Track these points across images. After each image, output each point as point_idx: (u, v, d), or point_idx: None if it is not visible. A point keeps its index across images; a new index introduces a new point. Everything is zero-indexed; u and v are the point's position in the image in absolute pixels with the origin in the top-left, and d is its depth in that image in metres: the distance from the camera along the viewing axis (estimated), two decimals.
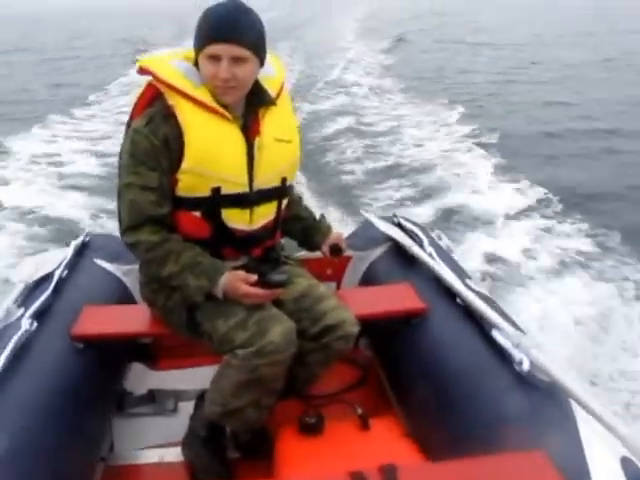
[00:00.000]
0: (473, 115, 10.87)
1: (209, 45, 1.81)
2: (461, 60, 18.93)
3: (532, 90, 13.76)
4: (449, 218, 6.01)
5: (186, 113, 1.85)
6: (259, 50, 1.87)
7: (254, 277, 1.87)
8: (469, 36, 25.06)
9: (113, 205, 2.12)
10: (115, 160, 2.06)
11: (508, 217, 6.00)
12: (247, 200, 1.96)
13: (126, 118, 2.04)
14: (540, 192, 6.64)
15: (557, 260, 5.03)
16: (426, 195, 6.78)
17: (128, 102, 12.28)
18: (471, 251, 5.06)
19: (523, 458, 1.53)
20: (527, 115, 11.32)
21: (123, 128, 2.02)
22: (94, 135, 10.08)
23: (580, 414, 1.60)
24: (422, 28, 29.56)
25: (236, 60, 1.81)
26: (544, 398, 1.71)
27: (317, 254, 2.49)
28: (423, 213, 6.14)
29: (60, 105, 12.61)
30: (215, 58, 1.81)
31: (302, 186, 6.72)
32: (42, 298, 2.22)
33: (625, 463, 1.44)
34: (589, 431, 1.54)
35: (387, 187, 7.14)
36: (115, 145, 8.40)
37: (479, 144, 8.80)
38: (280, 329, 1.83)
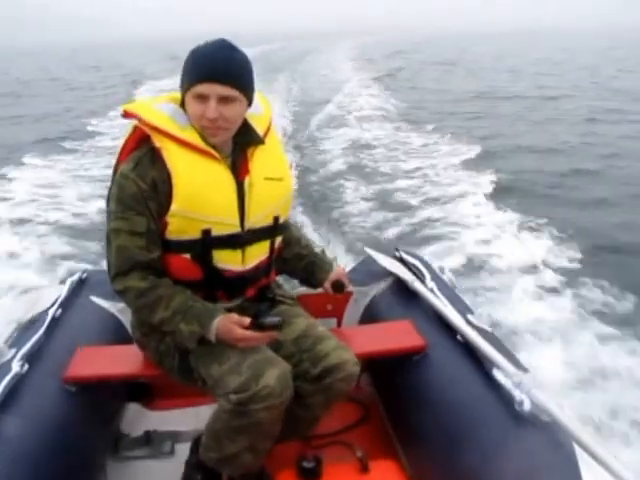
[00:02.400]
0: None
1: (196, 84, 1.79)
2: None
3: None
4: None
5: (173, 155, 1.82)
6: (247, 89, 1.86)
7: (247, 320, 1.83)
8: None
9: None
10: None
11: None
12: (239, 240, 1.93)
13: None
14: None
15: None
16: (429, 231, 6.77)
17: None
18: None
19: None
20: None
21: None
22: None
23: (582, 457, 1.57)
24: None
25: (224, 100, 1.79)
26: (545, 439, 1.67)
27: (317, 290, 2.46)
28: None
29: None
30: (202, 98, 1.79)
31: (301, 218, 6.77)
32: (34, 338, 2.18)
33: None
34: (591, 475, 1.51)
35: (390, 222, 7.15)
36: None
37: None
38: (275, 372, 1.79)
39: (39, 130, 14.25)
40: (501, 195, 7.84)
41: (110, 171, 1.99)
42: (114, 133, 12.79)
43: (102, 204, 7.15)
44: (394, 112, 15.67)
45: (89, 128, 14.19)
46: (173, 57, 33.03)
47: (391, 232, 6.72)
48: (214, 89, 1.77)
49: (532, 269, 5.56)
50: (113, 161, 1.99)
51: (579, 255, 5.89)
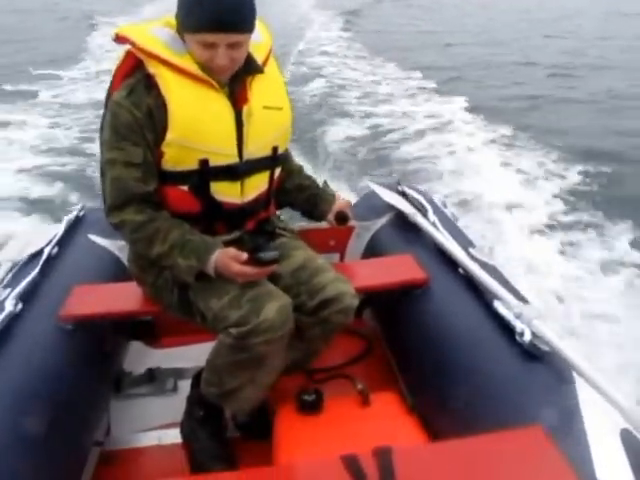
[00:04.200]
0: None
1: (203, 33, 1.70)
2: None
3: None
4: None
5: (169, 82, 1.76)
6: (253, 28, 1.78)
7: (245, 255, 1.79)
8: None
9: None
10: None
11: None
12: (237, 171, 1.88)
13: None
14: None
15: None
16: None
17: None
18: None
19: (521, 435, 1.49)
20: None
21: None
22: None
23: (581, 385, 1.57)
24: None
25: (233, 45, 1.73)
26: (545, 369, 1.68)
27: (319, 224, 2.43)
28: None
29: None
30: (210, 45, 1.72)
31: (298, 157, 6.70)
32: (29, 278, 2.15)
33: (625, 435, 1.41)
34: (589, 403, 1.52)
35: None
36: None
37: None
38: (275, 305, 1.77)
39: None
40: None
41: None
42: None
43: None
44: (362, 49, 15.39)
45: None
46: None
47: (386, 167, 6.71)
48: (224, 39, 1.70)
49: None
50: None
51: None
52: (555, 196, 5.80)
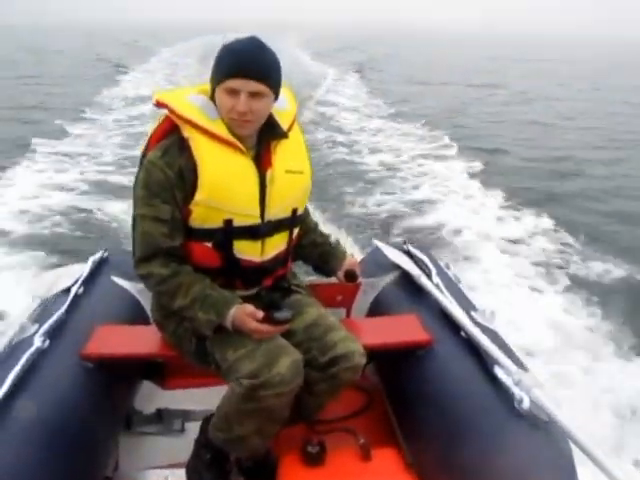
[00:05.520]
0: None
1: (228, 80, 1.86)
2: None
3: None
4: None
5: (201, 145, 1.90)
6: (276, 85, 1.93)
7: (261, 314, 1.89)
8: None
9: None
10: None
11: None
12: (258, 232, 2.00)
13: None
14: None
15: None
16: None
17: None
18: None
19: None
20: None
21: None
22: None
23: (578, 456, 1.63)
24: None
25: (254, 95, 1.86)
26: (543, 438, 1.73)
27: (328, 279, 2.53)
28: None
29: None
30: (233, 92, 1.86)
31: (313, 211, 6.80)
32: (56, 315, 2.27)
33: None
34: (586, 474, 1.57)
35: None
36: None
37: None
38: (287, 361, 1.86)
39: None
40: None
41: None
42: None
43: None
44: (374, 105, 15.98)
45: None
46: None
47: (396, 225, 6.82)
48: (245, 85, 1.84)
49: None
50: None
51: None
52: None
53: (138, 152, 2.09)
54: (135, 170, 2.05)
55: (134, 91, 17.33)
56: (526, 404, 1.79)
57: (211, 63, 1.91)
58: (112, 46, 37.97)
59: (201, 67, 20.50)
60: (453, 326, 2.32)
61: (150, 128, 2.05)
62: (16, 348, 2.10)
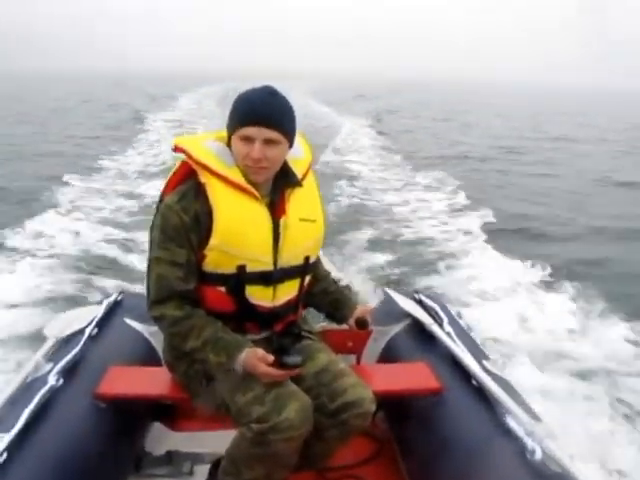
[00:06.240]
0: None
1: (243, 127, 1.91)
2: None
3: None
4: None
5: (217, 191, 1.94)
6: (290, 133, 1.98)
7: (271, 358, 1.91)
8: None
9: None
10: None
11: None
12: (271, 278, 2.03)
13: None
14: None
15: None
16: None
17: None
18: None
19: None
20: None
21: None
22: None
23: None
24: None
25: (268, 142, 1.91)
26: None
27: (339, 326, 2.55)
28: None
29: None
30: (248, 139, 1.91)
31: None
32: (70, 355, 2.31)
33: None
34: None
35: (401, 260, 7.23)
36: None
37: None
38: (297, 406, 1.87)
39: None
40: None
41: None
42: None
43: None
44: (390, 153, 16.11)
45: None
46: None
47: (405, 273, 6.79)
48: (260, 132, 1.89)
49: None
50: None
51: None
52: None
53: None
54: (152, 214, 2.10)
55: (155, 136, 17.88)
56: (538, 455, 1.78)
57: (228, 108, 1.98)
58: (136, 94, 38.92)
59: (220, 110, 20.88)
60: (464, 374, 2.32)
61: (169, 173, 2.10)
62: (31, 386, 2.13)
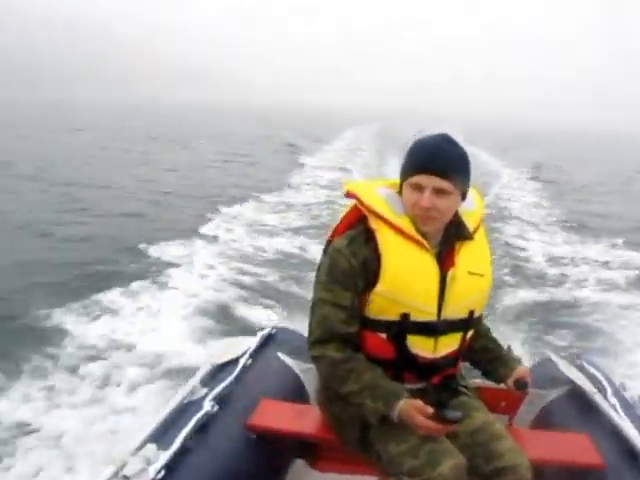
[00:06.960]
0: None
1: (414, 175, 1.91)
2: None
3: None
4: None
5: (386, 238, 1.94)
6: (462, 184, 1.95)
7: (431, 410, 1.87)
8: None
9: None
10: None
11: None
12: (434, 329, 2.00)
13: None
14: None
15: None
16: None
17: None
18: None
19: None
20: None
21: None
22: None
23: None
24: None
25: (438, 191, 1.89)
26: None
27: (494, 384, 2.46)
28: None
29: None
30: (418, 187, 1.91)
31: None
32: (225, 383, 2.40)
33: None
34: None
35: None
36: None
37: None
38: (451, 463, 1.82)
39: None
40: None
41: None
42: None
43: None
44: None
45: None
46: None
47: (570, 338, 6.39)
48: (430, 180, 1.89)
49: None
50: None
51: None
52: None
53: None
54: (318, 255, 2.14)
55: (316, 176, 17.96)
56: None
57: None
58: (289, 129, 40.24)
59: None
60: (629, 452, 2.17)
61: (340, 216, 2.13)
62: (187, 408, 2.23)
